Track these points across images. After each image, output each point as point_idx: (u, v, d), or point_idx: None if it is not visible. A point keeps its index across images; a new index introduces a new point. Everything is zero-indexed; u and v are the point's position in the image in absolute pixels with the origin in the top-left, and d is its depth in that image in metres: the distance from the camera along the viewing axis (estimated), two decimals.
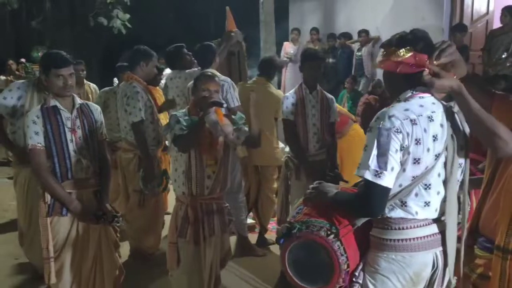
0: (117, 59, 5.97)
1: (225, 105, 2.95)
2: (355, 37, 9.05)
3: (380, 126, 1.79)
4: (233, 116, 3.05)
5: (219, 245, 3.12)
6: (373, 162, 1.77)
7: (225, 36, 4.54)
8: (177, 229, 3.02)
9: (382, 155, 1.77)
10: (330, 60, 9.14)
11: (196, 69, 4.35)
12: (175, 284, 3.14)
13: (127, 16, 11.40)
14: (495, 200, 2.01)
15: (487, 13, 7.75)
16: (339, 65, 9.16)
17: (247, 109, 3.29)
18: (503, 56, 6.13)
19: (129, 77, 4.04)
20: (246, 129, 3.02)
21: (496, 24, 7.36)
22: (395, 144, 1.78)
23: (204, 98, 2.90)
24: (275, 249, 4.42)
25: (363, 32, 8.74)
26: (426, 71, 1.79)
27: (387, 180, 1.78)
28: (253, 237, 4.73)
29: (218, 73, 4.07)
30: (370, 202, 1.82)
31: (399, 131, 1.78)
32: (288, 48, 9.77)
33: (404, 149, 1.80)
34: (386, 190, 1.80)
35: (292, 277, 1.96)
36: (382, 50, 1.95)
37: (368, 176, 1.78)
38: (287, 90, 8.04)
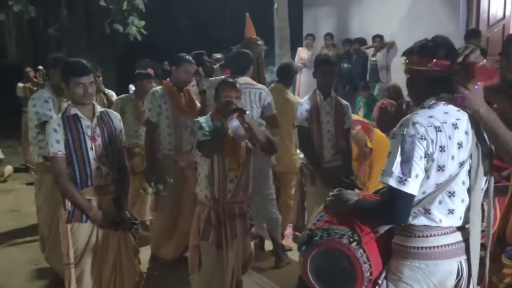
0: (133, 65, 6.02)
1: (248, 112, 3.00)
2: (370, 42, 9.02)
3: (404, 133, 1.79)
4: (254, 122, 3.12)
5: (241, 249, 3.16)
6: (397, 168, 1.77)
7: (246, 43, 4.55)
8: (199, 232, 3.07)
9: (407, 162, 1.77)
10: (345, 65, 9.13)
11: (219, 77, 4.37)
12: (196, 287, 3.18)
13: (143, 23, 11.48)
14: None
15: (504, 17, 7.68)
16: (354, 71, 9.14)
17: None
18: None
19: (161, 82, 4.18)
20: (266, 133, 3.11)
21: None
22: (419, 151, 1.78)
23: (227, 105, 2.95)
24: (292, 255, 4.41)
25: (378, 37, 8.72)
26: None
27: (412, 187, 1.77)
28: (269, 244, 4.73)
29: (253, 81, 4.08)
30: (394, 209, 1.81)
31: (423, 138, 1.78)
32: (303, 53, 9.77)
33: (428, 156, 1.80)
34: (411, 197, 1.79)
35: (313, 285, 1.95)
36: (404, 58, 1.96)
37: (392, 183, 1.78)
38: (301, 96, 8.03)
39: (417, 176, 1.78)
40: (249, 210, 3.23)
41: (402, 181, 1.77)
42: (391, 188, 1.80)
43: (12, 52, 12.42)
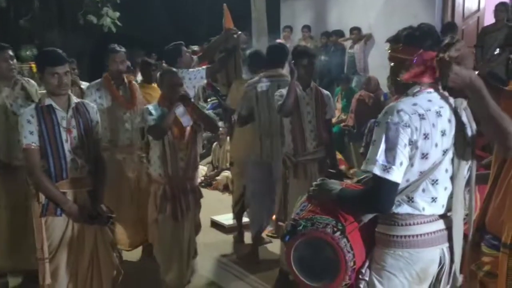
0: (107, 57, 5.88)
1: (192, 99, 3.47)
2: (347, 34, 9.04)
3: (389, 120, 1.77)
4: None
5: (194, 220, 3.56)
6: (381, 156, 1.75)
7: (224, 35, 4.49)
8: (156, 207, 3.42)
9: (391, 150, 1.75)
10: (323, 57, 9.13)
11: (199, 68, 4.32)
12: (159, 257, 3.52)
13: (117, 14, 11.29)
14: (502, 198, 2.00)
15: (478, 9, 7.80)
16: (331, 63, 9.15)
17: None
18: (496, 52, 6.15)
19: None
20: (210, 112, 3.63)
21: (487, 20, 7.41)
22: (404, 139, 1.76)
23: (173, 92, 3.37)
24: (272, 247, 4.41)
25: (355, 30, 8.74)
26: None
27: (396, 175, 1.76)
28: (249, 236, 4.71)
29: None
30: (378, 197, 1.80)
31: (407, 125, 1.77)
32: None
33: (412, 144, 1.79)
34: (395, 185, 1.78)
35: (297, 275, 1.93)
36: (389, 45, 1.94)
37: (377, 171, 1.76)
38: None
39: (401, 164, 1.77)
40: (198, 185, 3.69)
41: (386, 169, 1.75)
42: (375, 177, 1.78)
43: None
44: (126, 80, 4.16)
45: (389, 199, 1.80)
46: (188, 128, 3.41)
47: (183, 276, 3.49)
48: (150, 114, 3.34)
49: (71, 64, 5.28)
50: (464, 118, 1.91)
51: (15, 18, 11.36)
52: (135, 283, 3.75)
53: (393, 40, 1.92)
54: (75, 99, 2.94)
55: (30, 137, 2.76)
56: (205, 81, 4.38)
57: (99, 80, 4.14)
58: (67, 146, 2.83)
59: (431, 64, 1.79)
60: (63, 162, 2.82)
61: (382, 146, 1.76)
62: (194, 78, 4.16)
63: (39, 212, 2.82)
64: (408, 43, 1.85)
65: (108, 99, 4.05)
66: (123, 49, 4.08)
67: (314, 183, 2.07)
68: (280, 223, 3.84)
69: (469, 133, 1.92)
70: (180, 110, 3.30)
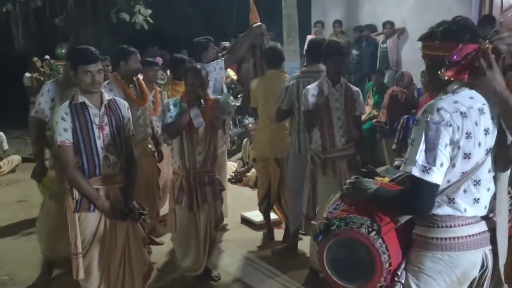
0: (140, 54, 5.95)
1: (202, 106, 3.45)
2: (380, 29, 8.88)
3: (429, 119, 1.70)
4: (220, 100, 3.66)
5: (213, 211, 3.66)
6: (420, 157, 1.69)
7: (251, 30, 4.45)
8: (174, 197, 3.57)
9: (431, 150, 1.68)
10: (355, 52, 9.00)
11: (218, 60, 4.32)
12: (176, 245, 3.71)
13: (149, 11, 11.43)
14: None
15: None
16: (363, 58, 9.01)
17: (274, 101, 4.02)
18: None
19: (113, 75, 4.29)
20: (235, 103, 3.71)
21: None
22: (444, 138, 1.70)
23: (191, 91, 3.46)
24: (302, 245, 4.37)
25: (388, 24, 8.55)
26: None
27: (436, 176, 1.70)
28: (279, 233, 4.69)
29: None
30: (417, 199, 1.73)
31: (449, 124, 1.70)
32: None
33: (454, 144, 1.72)
34: (435, 186, 1.71)
35: (330, 275, 1.89)
36: (423, 42, 1.86)
37: (416, 172, 1.70)
38: None
39: (441, 164, 1.70)
40: (218, 177, 3.76)
41: (426, 170, 1.69)
42: (414, 178, 1.71)
43: (19, 42, 12.40)
44: (134, 78, 4.30)
45: (429, 201, 1.74)
46: (207, 125, 3.49)
47: (199, 263, 3.67)
48: (169, 110, 3.47)
49: (104, 62, 5.42)
50: None
51: (50, 17, 11.64)
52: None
53: (428, 37, 1.84)
54: (107, 96, 2.97)
55: (64, 134, 2.80)
56: (224, 72, 4.35)
57: (109, 80, 4.23)
58: (99, 143, 2.87)
59: (472, 59, 1.71)
60: (96, 159, 2.86)
61: (422, 146, 1.70)
62: (214, 70, 4.15)
63: (73, 207, 2.87)
64: (445, 39, 1.77)
65: (121, 97, 4.08)
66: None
67: (348, 181, 2.03)
68: (313, 222, 3.80)
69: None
70: (194, 112, 3.39)
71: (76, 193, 2.87)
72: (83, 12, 11.94)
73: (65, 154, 2.82)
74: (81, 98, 2.86)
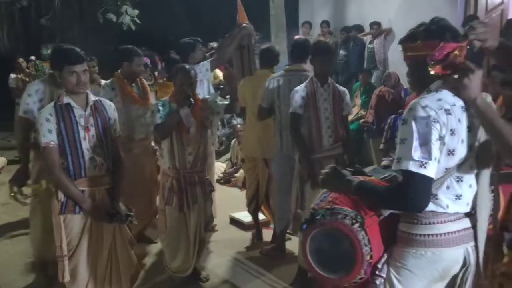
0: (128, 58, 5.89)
1: (191, 106, 3.44)
2: (367, 29, 8.93)
3: (416, 116, 1.72)
4: (208, 100, 3.66)
5: (203, 211, 3.64)
6: (416, 152, 1.70)
7: (238, 30, 4.45)
8: (164, 198, 3.55)
9: (425, 144, 1.70)
10: (341, 52, 9.04)
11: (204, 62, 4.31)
12: (165, 246, 3.68)
13: (136, 12, 11.38)
14: None
15: (502, 2, 7.57)
16: (350, 58, 9.06)
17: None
18: None
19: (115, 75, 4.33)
20: (223, 102, 3.64)
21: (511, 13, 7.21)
22: (435, 133, 1.72)
23: (181, 92, 3.44)
24: (290, 245, 4.37)
25: (375, 24, 8.62)
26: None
27: (432, 170, 1.71)
28: (267, 233, 4.69)
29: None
30: (415, 195, 1.73)
31: (436, 120, 1.72)
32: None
33: (440, 139, 1.74)
34: (431, 180, 1.73)
35: (312, 265, 1.90)
36: (404, 44, 1.89)
37: (413, 167, 1.70)
38: None
39: (435, 158, 1.72)
40: (208, 178, 3.74)
41: (423, 164, 1.70)
42: (410, 174, 1.71)
43: (3, 43, 12.25)
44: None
45: (426, 196, 1.74)
46: (194, 126, 3.47)
47: (188, 265, 3.64)
48: (158, 111, 3.45)
49: (91, 62, 5.38)
50: None
51: (36, 17, 11.53)
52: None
53: (409, 39, 1.86)
54: (93, 97, 2.94)
55: (49, 135, 2.77)
56: (210, 74, 4.37)
57: (111, 79, 4.32)
58: (85, 144, 2.84)
59: (454, 55, 1.73)
60: (81, 161, 2.83)
61: (415, 142, 1.70)
62: (200, 72, 4.13)
63: (58, 209, 2.83)
64: (427, 38, 1.80)
65: (123, 96, 4.23)
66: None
67: (325, 169, 2.02)
68: (299, 211, 3.82)
69: None
70: (184, 111, 3.37)
71: (61, 195, 2.84)
72: (69, 12, 11.85)
73: (50, 155, 2.79)
74: (66, 99, 2.82)
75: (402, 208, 1.84)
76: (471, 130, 1.79)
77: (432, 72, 1.76)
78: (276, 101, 4.06)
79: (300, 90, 3.70)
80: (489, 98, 1.80)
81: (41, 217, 3.74)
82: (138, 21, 11.37)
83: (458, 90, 1.74)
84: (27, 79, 8.43)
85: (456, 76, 1.70)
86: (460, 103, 1.78)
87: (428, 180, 1.72)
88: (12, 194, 3.68)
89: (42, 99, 3.61)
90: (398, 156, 1.75)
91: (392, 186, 1.87)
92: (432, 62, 1.74)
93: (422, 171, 1.70)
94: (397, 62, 7.88)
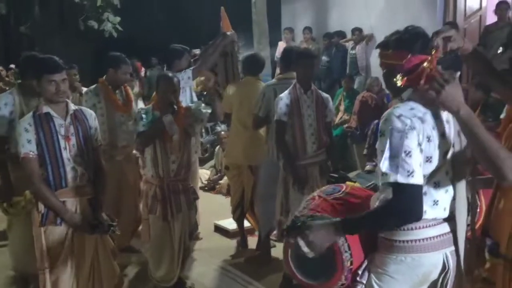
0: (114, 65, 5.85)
1: (174, 112, 3.40)
2: (349, 35, 9.00)
3: (393, 127, 1.73)
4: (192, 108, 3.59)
5: (187, 220, 3.62)
6: (401, 164, 1.70)
7: (222, 38, 4.45)
8: (147, 207, 3.49)
9: (408, 154, 1.70)
10: (324, 58, 9.08)
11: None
12: (149, 256, 3.63)
13: (118, 19, 11.31)
14: (504, 205, 1.93)
15: (480, 8, 7.72)
16: (333, 64, 9.11)
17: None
18: (499, 51, 6.09)
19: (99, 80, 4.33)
20: (207, 110, 3.59)
21: (490, 19, 7.34)
22: (414, 140, 1.72)
23: (164, 99, 3.43)
24: (276, 252, 4.35)
25: (357, 30, 8.68)
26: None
27: (419, 177, 1.72)
28: (253, 240, 4.67)
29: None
30: (412, 204, 1.73)
31: (413, 127, 1.73)
32: (283, 48, 9.67)
33: (419, 146, 1.74)
34: (420, 187, 1.74)
35: (293, 272, 1.91)
36: (380, 51, 1.92)
37: (401, 179, 1.70)
38: None
39: (420, 165, 1.73)
40: (192, 186, 3.72)
41: (410, 174, 1.70)
42: (400, 186, 1.70)
43: None
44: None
45: (420, 204, 1.75)
46: (180, 133, 3.45)
47: (173, 274, 3.59)
48: (141, 118, 3.42)
49: (72, 70, 5.32)
50: None
51: (15, 25, 11.39)
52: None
53: (383, 46, 1.90)
54: (73, 106, 2.90)
55: (27, 145, 2.73)
56: (192, 82, 4.39)
57: (95, 85, 4.32)
58: (66, 154, 2.80)
59: (422, 68, 1.74)
60: (62, 171, 2.79)
61: (386, 153, 1.72)
62: (182, 79, 4.10)
63: (38, 221, 2.79)
64: (397, 48, 1.83)
65: (106, 103, 4.22)
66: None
67: (289, 223, 1.93)
68: (281, 218, 3.81)
69: None
70: (167, 119, 3.34)
71: (41, 207, 2.79)
72: (49, 20, 11.73)
73: (30, 166, 2.74)
74: (45, 108, 2.78)
75: (402, 222, 1.80)
76: (444, 136, 1.81)
77: (398, 84, 1.78)
78: (272, 109, 4.04)
79: (284, 97, 3.70)
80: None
81: (20, 229, 3.66)
82: (120, 28, 11.29)
83: (428, 102, 1.74)
84: (7, 88, 8.28)
85: (427, 88, 1.67)
86: (432, 110, 1.79)
87: (417, 188, 1.72)
88: (1, 210, 3.59)
89: (12, 112, 3.48)
90: (384, 171, 1.72)
91: (382, 205, 1.84)
92: (400, 74, 1.76)
93: (411, 180, 1.70)
94: (378, 68, 7.86)
